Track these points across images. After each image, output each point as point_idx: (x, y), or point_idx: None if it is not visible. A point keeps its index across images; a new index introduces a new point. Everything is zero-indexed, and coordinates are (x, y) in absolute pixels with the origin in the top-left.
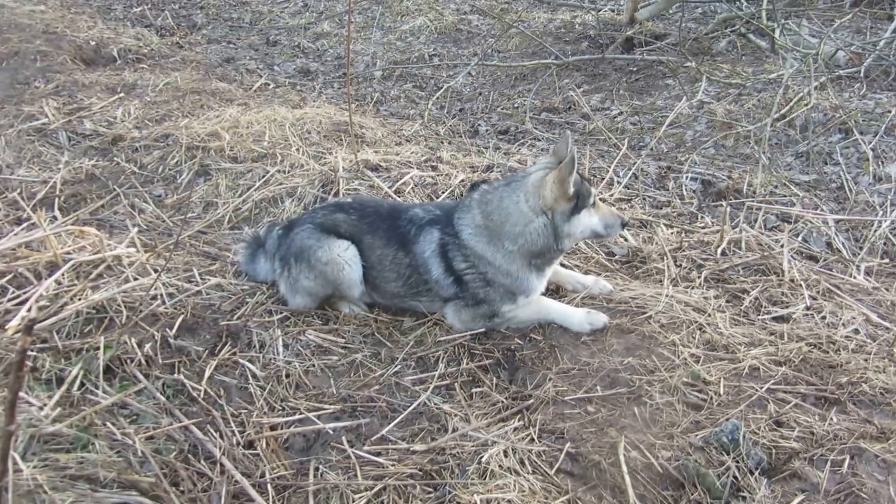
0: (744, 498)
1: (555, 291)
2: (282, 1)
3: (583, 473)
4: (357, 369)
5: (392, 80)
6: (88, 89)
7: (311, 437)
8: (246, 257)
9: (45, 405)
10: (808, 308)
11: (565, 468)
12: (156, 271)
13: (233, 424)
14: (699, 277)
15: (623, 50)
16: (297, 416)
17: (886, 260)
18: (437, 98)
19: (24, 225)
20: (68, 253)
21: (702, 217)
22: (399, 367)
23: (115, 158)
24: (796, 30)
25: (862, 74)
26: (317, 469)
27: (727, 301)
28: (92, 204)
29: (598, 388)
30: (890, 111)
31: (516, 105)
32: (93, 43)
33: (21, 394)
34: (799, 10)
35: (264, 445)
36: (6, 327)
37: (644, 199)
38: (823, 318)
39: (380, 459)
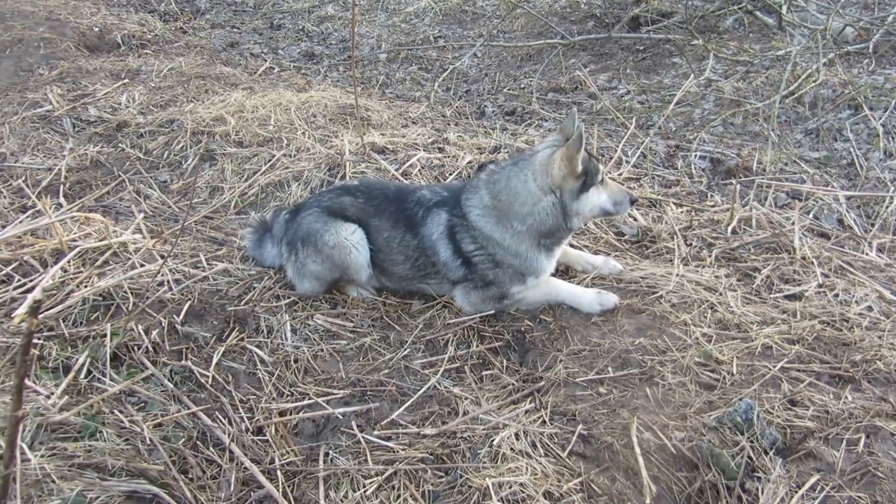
0: (759, 478)
1: (564, 272)
2: None
3: (595, 455)
4: (366, 353)
5: (397, 62)
6: (92, 76)
7: (321, 423)
8: (252, 242)
9: (51, 394)
10: (820, 286)
11: (577, 450)
12: (162, 257)
13: (241, 411)
14: (710, 256)
15: (629, 28)
16: (306, 402)
17: None
18: (443, 80)
19: (30, 212)
20: (74, 240)
21: (711, 195)
22: (408, 350)
23: (120, 145)
24: (803, 5)
25: (871, 50)
26: (327, 454)
27: (738, 280)
28: (97, 190)
29: (610, 369)
30: None
31: (523, 86)
32: (96, 29)
33: (27, 382)
34: None
35: (273, 431)
36: (13, 315)
37: (653, 178)
38: (836, 295)
39: (390, 444)
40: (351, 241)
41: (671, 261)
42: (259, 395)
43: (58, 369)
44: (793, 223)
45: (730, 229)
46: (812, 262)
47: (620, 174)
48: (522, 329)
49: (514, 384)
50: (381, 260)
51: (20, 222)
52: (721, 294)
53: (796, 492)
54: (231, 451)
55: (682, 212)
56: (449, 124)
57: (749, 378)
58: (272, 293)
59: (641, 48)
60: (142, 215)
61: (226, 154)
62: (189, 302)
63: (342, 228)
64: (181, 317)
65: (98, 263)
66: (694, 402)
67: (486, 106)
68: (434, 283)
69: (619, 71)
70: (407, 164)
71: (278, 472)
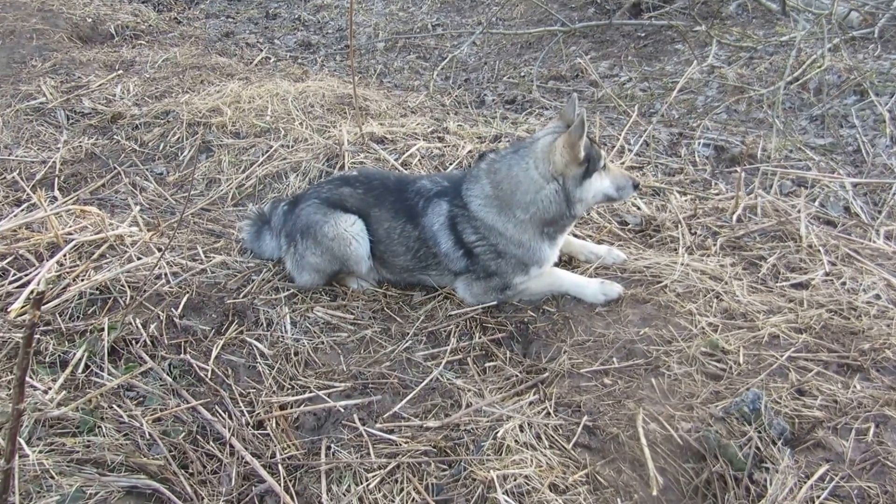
0: (767, 469)
1: (567, 262)
2: None
3: (601, 447)
4: (367, 346)
5: (395, 51)
6: (86, 67)
7: (322, 416)
8: (251, 234)
9: (49, 388)
10: (827, 274)
11: (583, 442)
12: (159, 250)
13: (241, 404)
14: (715, 245)
15: (630, 15)
16: (307, 395)
17: None
18: (442, 68)
19: (25, 206)
20: (70, 233)
21: (716, 183)
22: (410, 342)
23: (115, 136)
24: None
25: (876, 35)
26: (328, 448)
27: (744, 268)
28: (92, 183)
29: (615, 359)
30: None
31: (523, 74)
32: (89, 20)
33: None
34: None
35: (274, 425)
36: (9, 310)
37: (656, 166)
38: (843, 283)
39: (393, 437)
40: (351, 233)
41: (675, 250)
42: (259, 388)
43: (55, 364)
44: (799, 211)
45: (735, 217)
46: (819, 251)
47: (623, 162)
48: (525, 320)
49: (517, 376)
50: (382, 251)
51: (15, 216)
52: (727, 283)
53: (805, 482)
54: (232, 446)
55: (686, 200)
56: (448, 113)
57: (756, 368)
58: (271, 285)
59: (643, 35)
60: (138, 208)
61: (222, 145)
62: (187, 295)
63: (342, 220)
64: (179, 310)
65: (94, 257)
66: (700, 393)
67: (485, 94)
68: (435, 274)
69: (621, 58)
70: (406, 154)
71: (280, 466)
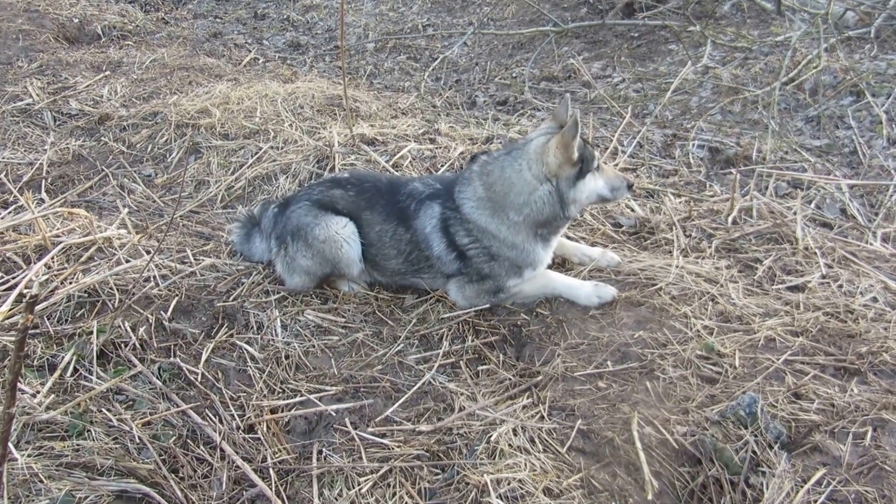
0: (763, 473)
1: (561, 264)
2: None
3: (595, 451)
4: (358, 349)
5: (385, 51)
6: (73, 68)
7: (314, 420)
8: (240, 237)
9: (38, 392)
10: (823, 276)
11: (577, 446)
12: (148, 253)
13: (232, 408)
14: (710, 247)
15: (623, 15)
16: (298, 399)
17: None
18: (433, 69)
19: (11, 208)
20: (57, 236)
21: (710, 185)
22: (402, 345)
23: (103, 138)
24: None
25: (872, 35)
26: (320, 452)
27: (740, 271)
28: (80, 185)
29: (609, 362)
30: None
31: (514, 75)
32: (76, 20)
33: None
34: None
35: (265, 429)
36: None
37: (650, 167)
38: (840, 286)
39: (385, 441)
40: (342, 236)
41: (670, 252)
42: (250, 392)
43: (43, 368)
44: (794, 213)
45: (730, 219)
46: (815, 253)
47: (617, 164)
48: (519, 323)
49: (510, 379)
50: (373, 254)
51: (2, 218)
52: (722, 286)
53: (802, 486)
54: (222, 450)
55: (680, 202)
56: (440, 115)
57: (752, 371)
58: (261, 288)
59: (636, 35)
60: (126, 210)
61: (211, 147)
62: (176, 298)
63: (333, 222)
64: (169, 313)
65: (83, 259)
66: (696, 396)
67: (477, 96)
68: (427, 277)
69: (614, 59)
70: (398, 156)
71: (271, 471)
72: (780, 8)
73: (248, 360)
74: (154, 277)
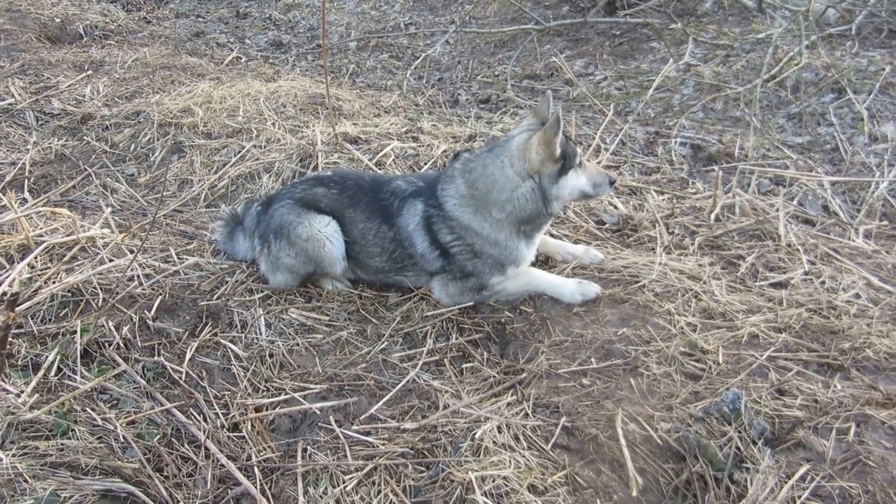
0: (747, 469)
1: (544, 262)
2: None
3: (580, 448)
4: (343, 347)
5: (367, 50)
6: (55, 67)
7: (298, 418)
8: (224, 235)
9: (21, 392)
10: (806, 273)
11: (561, 443)
12: (131, 252)
13: (216, 407)
14: (693, 244)
15: (605, 13)
16: (282, 397)
17: (885, 222)
18: (415, 68)
19: None
20: (40, 235)
21: (693, 182)
22: (386, 343)
23: (86, 137)
24: None
25: (853, 32)
26: (305, 450)
27: (723, 268)
28: (63, 185)
29: (593, 360)
30: (884, 69)
31: (497, 73)
32: (58, 20)
33: None
34: None
35: (249, 427)
36: None
37: (633, 165)
38: (823, 283)
39: (369, 439)
40: (325, 234)
41: (653, 249)
42: (234, 390)
43: (27, 367)
44: (777, 210)
45: (713, 216)
46: (798, 250)
47: (599, 162)
48: (503, 320)
49: (495, 376)
50: (357, 252)
51: None
52: (705, 282)
53: (786, 482)
54: (207, 448)
55: (663, 199)
56: (422, 113)
57: (735, 367)
58: (245, 287)
59: (618, 33)
60: (109, 209)
61: (194, 146)
62: (160, 297)
63: (315, 220)
64: (152, 312)
65: (66, 259)
66: (680, 393)
67: (459, 94)
68: (411, 275)
69: (596, 56)
70: (380, 154)
71: (255, 469)
72: (762, 5)
73: (233, 358)
74: (138, 276)
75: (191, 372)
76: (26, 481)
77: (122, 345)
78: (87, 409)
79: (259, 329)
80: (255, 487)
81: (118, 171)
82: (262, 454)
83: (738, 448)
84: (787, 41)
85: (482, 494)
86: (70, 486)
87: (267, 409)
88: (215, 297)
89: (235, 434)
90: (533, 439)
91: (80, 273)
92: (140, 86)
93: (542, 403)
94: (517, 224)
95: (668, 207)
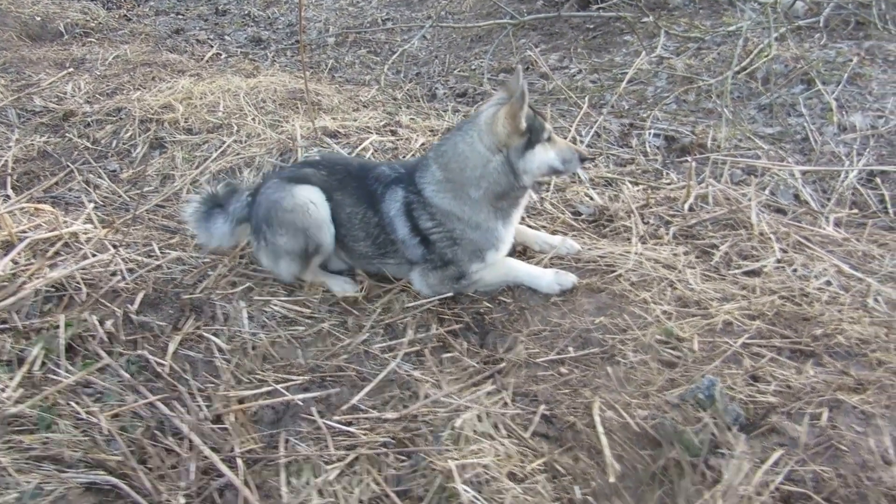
0: (723, 454)
1: (522, 253)
2: None
3: (558, 435)
4: (324, 339)
5: (346, 45)
6: (36, 65)
7: (281, 409)
8: (198, 213)
9: (6, 386)
10: (778, 261)
11: (540, 431)
12: (114, 247)
13: (199, 399)
14: (668, 234)
15: (579, 7)
16: (265, 389)
17: (855, 210)
18: (393, 63)
19: None
20: (24, 231)
21: (667, 173)
22: (367, 335)
23: (68, 134)
24: None
25: (822, 24)
26: (287, 441)
27: (697, 257)
28: (45, 181)
29: (571, 348)
30: (851, 60)
31: (473, 67)
32: (38, 18)
33: None
34: None
35: (233, 419)
36: None
37: (608, 157)
38: (795, 270)
39: (351, 429)
40: (308, 198)
41: (629, 239)
42: (217, 383)
43: (12, 362)
44: (749, 199)
45: (687, 206)
46: (770, 238)
47: None
48: (482, 311)
49: (474, 366)
50: (343, 235)
51: None
52: (680, 271)
53: (760, 467)
54: (190, 440)
55: (638, 190)
56: (400, 107)
57: (710, 355)
58: (227, 280)
59: (592, 27)
60: (92, 205)
61: (175, 141)
62: (143, 291)
63: (299, 190)
64: (135, 306)
65: (49, 254)
66: (656, 380)
67: (437, 88)
68: (393, 262)
69: (571, 50)
70: (360, 148)
71: (239, 460)
72: None
73: (216, 351)
74: (121, 271)
75: (174, 365)
76: (11, 475)
77: (105, 339)
78: (72, 402)
79: (242, 322)
80: (239, 478)
81: (100, 167)
82: (245, 445)
83: (713, 434)
84: (756, 34)
85: (462, 483)
86: (54, 479)
87: (250, 401)
88: (198, 290)
89: (219, 426)
90: (512, 427)
91: (64, 268)
92: (121, 82)
93: (521, 392)
94: (494, 200)
95: (642, 198)
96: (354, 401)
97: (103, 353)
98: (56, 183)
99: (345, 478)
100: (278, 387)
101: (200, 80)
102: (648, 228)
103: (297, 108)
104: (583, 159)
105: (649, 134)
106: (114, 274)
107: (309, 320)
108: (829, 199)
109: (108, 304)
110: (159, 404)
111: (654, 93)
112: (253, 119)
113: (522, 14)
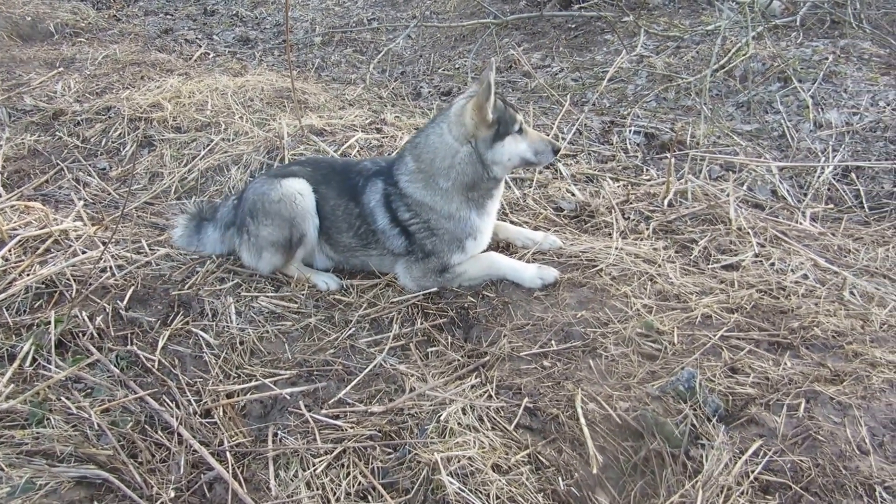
0: (703, 445)
1: (505, 248)
2: None
3: (542, 428)
4: (311, 334)
5: (332, 45)
6: (26, 65)
7: (269, 403)
8: (187, 230)
9: None
10: (756, 255)
11: (524, 423)
12: (104, 244)
13: (189, 394)
14: (648, 229)
15: (561, 6)
16: (253, 383)
17: (831, 205)
18: (378, 62)
19: None
20: (14, 229)
21: (647, 169)
22: (353, 329)
23: (58, 133)
24: None
25: (798, 23)
26: (275, 435)
27: (676, 251)
28: (36, 179)
29: (553, 342)
30: (827, 58)
31: (457, 66)
32: (28, 18)
33: None
34: None
35: (221, 413)
36: None
37: (589, 154)
38: (772, 264)
39: (338, 422)
40: (295, 189)
41: (610, 234)
42: (206, 377)
43: (2, 358)
44: (728, 195)
45: (666, 202)
46: (748, 233)
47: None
48: (466, 305)
49: (459, 360)
50: (327, 227)
51: None
52: (660, 266)
53: (740, 457)
54: (180, 434)
55: (618, 186)
56: (386, 105)
57: (690, 347)
58: (215, 276)
59: (573, 26)
60: (82, 203)
61: (164, 140)
62: (132, 287)
63: (285, 182)
64: (125, 302)
65: (39, 251)
66: (637, 373)
67: (421, 87)
68: (376, 254)
69: (553, 49)
70: (346, 146)
71: (228, 454)
72: None
73: (204, 346)
74: (110, 268)
75: (163, 360)
76: (2, 469)
77: (95, 335)
78: (62, 398)
79: (230, 317)
80: (228, 472)
81: (90, 165)
82: (233, 439)
83: (693, 425)
84: (734, 33)
85: (448, 475)
86: (46, 473)
87: (238, 396)
88: (186, 286)
89: (208, 420)
90: (496, 420)
91: (54, 265)
92: (110, 82)
93: (505, 385)
94: (463, 190)
95: (623, 194)
96: (341, 395)
97: (93, 349)
98: (46, 181)
99: (332, 470)
100: (266, 381)
101: (189, 79)
102: (629, 224)
103: (284, 106)
104: (556, 150)
105: (630, 131)
106: (103, 270)
107: (296, 315)
108: (805, 195)
109: (98, 301)
110: (149, 399)
111: (635, 91)
112: (240, 117)
113: (506, 14)
